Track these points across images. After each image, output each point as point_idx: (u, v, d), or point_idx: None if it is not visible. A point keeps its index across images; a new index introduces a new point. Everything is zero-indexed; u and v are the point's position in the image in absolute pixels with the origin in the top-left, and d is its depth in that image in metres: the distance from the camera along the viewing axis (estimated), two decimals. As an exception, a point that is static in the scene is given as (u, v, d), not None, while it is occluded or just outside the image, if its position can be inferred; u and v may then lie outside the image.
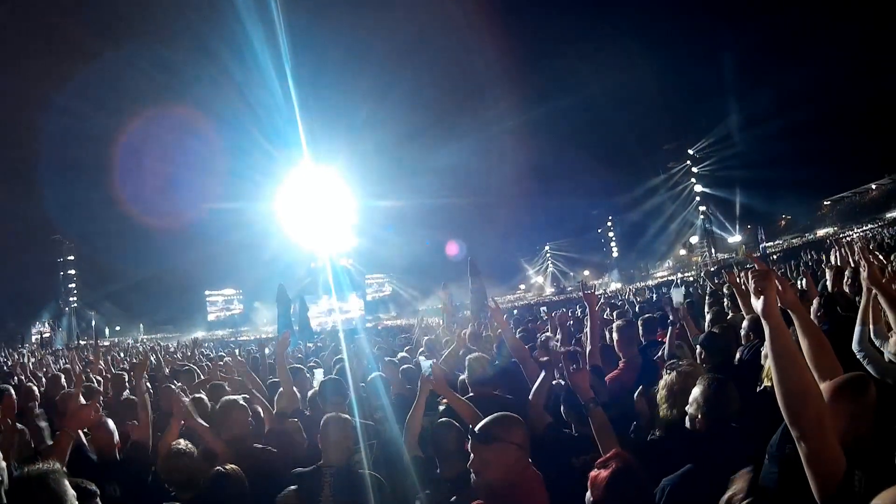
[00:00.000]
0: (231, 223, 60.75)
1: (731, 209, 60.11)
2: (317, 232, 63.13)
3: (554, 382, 4.33)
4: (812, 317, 5.02)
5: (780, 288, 2.33)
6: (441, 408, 4.19)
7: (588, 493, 2.45)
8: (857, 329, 3.77)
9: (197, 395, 5.32)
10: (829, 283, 7.08)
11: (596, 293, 5.30)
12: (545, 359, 4.34)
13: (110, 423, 4.12)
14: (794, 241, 52.46)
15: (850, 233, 42.93)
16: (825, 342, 2.63)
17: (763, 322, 2.10)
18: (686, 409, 3.05)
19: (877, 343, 3.77)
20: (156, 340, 43.41)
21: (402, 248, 65.34)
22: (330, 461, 3.54)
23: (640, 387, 4.13)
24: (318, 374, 6.45)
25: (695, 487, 2.63)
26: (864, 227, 45.13)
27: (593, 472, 2.46)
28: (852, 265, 6.77)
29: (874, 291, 3.76)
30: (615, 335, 5.16)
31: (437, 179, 59.74)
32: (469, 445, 2.64)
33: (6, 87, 54.46)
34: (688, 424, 3.00)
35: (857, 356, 3.69)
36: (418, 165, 60.02)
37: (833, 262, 8.30)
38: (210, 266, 65.26)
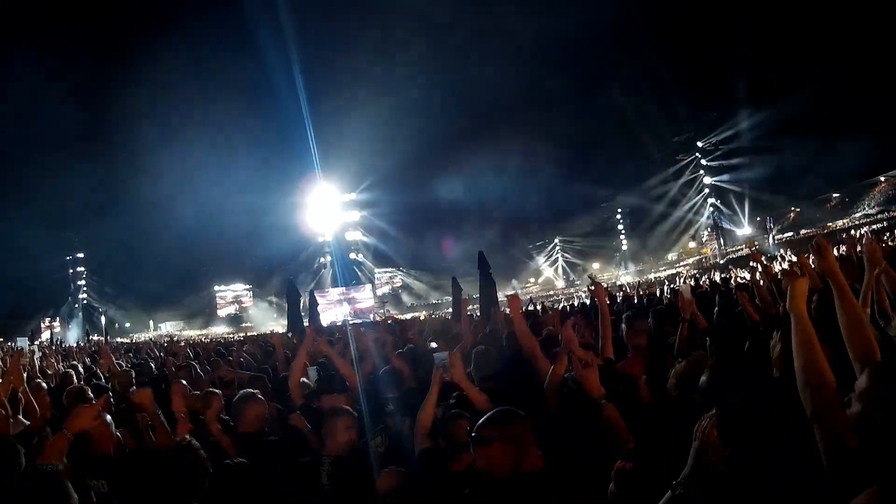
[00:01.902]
0: (242, 218, 60.95)
1: (741, 202, 60.06)
2: (327, 227, 63.36)
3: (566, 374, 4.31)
4: (811, 310, 5.01)
5: (821, 252, 2.81)
6: (451, 401, 4.18)
7: (612, 484, 2.43)
8: None
9: (211, 391, 5.35)
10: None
11: (603, 285, 5.29)
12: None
13: (108, 418, 4.07)
14: (801, 232, 52.29)
15: (860, 222, 42.76)
16: (862, 316, 2.83)
17: (791, 313, 2.43)
18: (694, 396, 3.04)
19: (881, 324, 3.74)
20: (163, 336, 43.59)
21: (413, 243, 65.57)
22: (330, 450, 3.60)
23: (644, 377, 4.13)
24: (312, 372, 6.45)
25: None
26: (874, 218, 44.91)
27: (619, 464, 2.45)
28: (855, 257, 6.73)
29: (875, 273, 3.76)
30: (623, 325, 5.13)
31: (447, 173, 59.67)
32: (471, 448, 2.63)
33: (18, 81, 54.67)
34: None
35: None
36: (430, 159, 59.89)
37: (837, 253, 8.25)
38: (220, 261, 65.60)
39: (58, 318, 65.09)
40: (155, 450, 4.10)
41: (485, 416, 2.66)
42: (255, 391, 4.52)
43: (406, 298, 70.10)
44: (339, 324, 38.71)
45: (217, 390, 5.34)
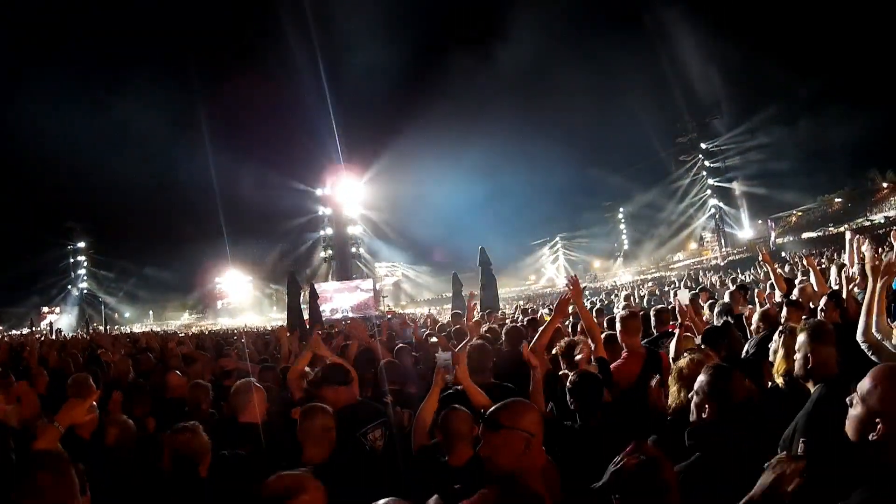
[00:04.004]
0: (244, 212, 60.96)
1: (743, 204, 60.00)
2: (327, 219, 63.21)
3: (560, 373, 4.31)
4: (819, 313, 5.05)
5: None
6: (447, 392, 4.13)
7: None
8: (862, 320, 3.76)
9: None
10: (833, 280, 7.06)
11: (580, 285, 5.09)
12: None
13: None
14: (803, 235, 52.28)
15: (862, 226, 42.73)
16: None
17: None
18: (691, 395, 3.03)
19: (878, 337, 3.75)
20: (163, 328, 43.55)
21: (413, 238, 65.55)
22: (310, 458, 3.42)
23: (657, 377, 4.13)
24: None
25: (701, 476, 2.62)
26: (875, 223, 44.88)
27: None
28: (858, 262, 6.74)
29: (880, 283, 3.76)
30: (618, 325, 5.11)
31: (450, 169, 59.57)
32: (479, 431, 2.60)
33: (21, 74, 54.68)
34: (693, 412, 2.98)
35: (862, 346, 3.69)
36: (432, 155, 59.75)
37: (840, 260, 8.28)
38: (221, 253, 65.64)
39: (57, 308, 65.16)
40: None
41: (501, 403, 2.61)
42: (252, 379, 4.48)
43: (405, 293, 70.16)
44: (339, 317, 38.75)
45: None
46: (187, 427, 3.49)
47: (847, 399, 2.19)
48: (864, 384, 2.15)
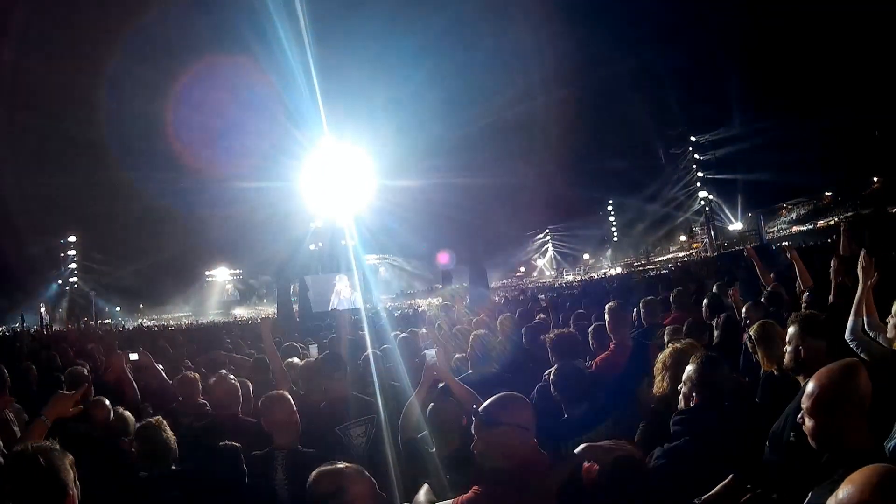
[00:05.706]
0: (233, 206, 60.72)
1: (733, 197, 60.19)
2: (319, 212, 63.11)
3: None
4: (804, 307, 5.09)
5: None
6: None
7: None
8: (851, 320, 3.80)
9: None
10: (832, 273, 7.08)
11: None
12: None
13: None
14: (793, 229, 52.59)
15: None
16: None
17: None
18: (679, 386, 3.04)
19: (871, 335, 3.79)
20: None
21: (404, 230, 65.44)
22: (280, 444, 3.47)
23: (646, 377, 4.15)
24: (313, 350, 6.46)
25: (685, 460, 2.65)
26: (862, 217, 45.18)
27: (587, 465, 2.42)
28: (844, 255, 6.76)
29: (868, 283, 3.81)
30: (606, 317, 5.11)
31: (441, 160, 59.54)
32: (472, 428, 2.58)
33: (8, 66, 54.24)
34: (681, 402, 2.98)
35: (850, 345, 3.73)
36: (424, 147, 59.71)
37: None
38: (211, 246, 65.48)
39: (48, 302, 64.83)
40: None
41: (494, 398, 2.59)
42: (227, 372, 4.49)
43: (395, 286, 70.12)
44: (329, 310, 38.71)
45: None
46: (150, 423, 3.50)
47: (798, 418, 2.25)
48: (806, 397, 2.21)
